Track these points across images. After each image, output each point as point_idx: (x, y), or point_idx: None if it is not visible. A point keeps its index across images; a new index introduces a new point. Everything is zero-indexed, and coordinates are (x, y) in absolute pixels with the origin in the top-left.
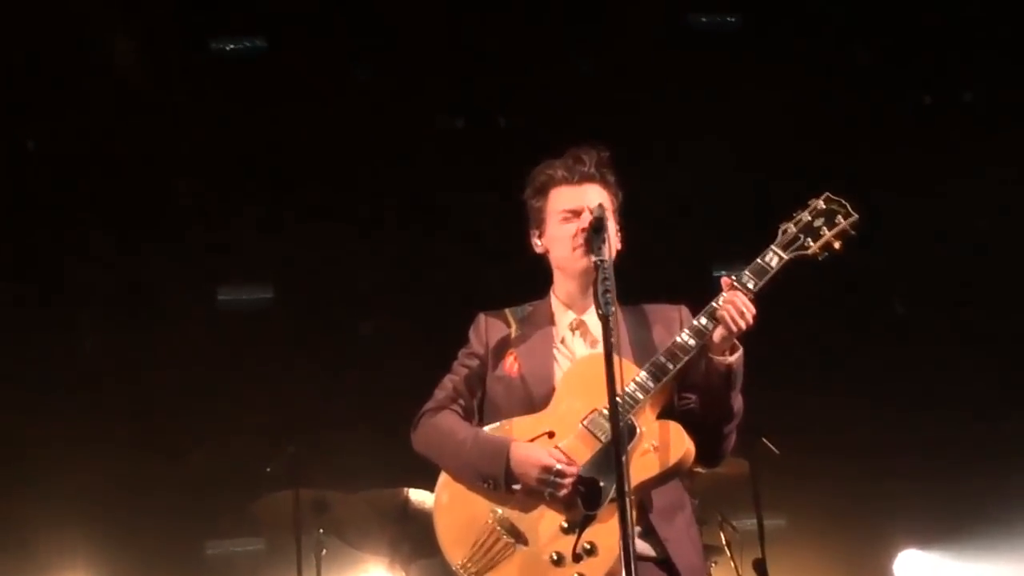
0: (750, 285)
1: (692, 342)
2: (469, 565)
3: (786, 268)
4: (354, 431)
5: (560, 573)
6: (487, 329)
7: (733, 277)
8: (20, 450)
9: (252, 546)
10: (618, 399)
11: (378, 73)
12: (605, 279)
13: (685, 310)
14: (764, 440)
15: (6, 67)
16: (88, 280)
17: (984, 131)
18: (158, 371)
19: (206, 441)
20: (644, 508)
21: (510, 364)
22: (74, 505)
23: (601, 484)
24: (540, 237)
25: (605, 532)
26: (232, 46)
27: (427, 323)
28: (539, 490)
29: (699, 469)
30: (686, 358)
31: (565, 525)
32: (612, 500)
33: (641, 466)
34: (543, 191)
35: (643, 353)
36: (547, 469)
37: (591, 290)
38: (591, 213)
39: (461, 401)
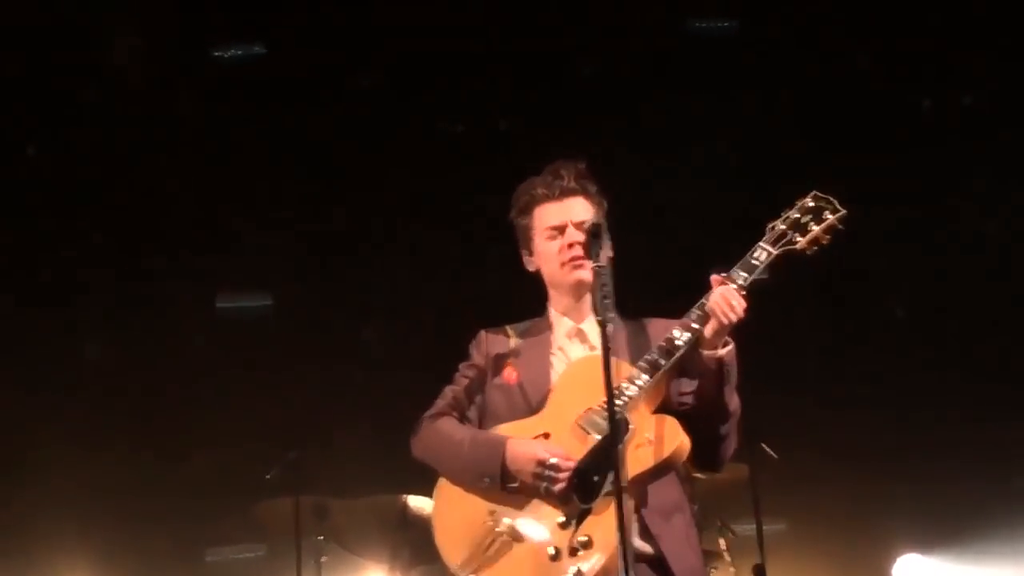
0: (740, 281)
1: (684, 337)
2: (467, 565)
3: (776, 263)
4: (354, 437)
5: (558, 567)
6: (487, 343)
7: (723, 275)
8: (21, 455)
9: (252, 552)
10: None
11: (379, 77)
12: (603, 285)
13: None
14: (763, 445)
15: (6, 72)
16: (89, 284)
17: (984, 134)
18: (159, 377)
19: (206, 447)
20: (639, 504)
21: (508, 372)
22: (75, 512)
23: (596, 478)
24: (530, 255)
25: (601, 525)
26: (233, 51)
27: (428, 329)
28: (535, 485)
29: (699, 475)
30: (678, 353)
31: (561, 520)
32: (607, 493)
33: (636, 459)
34: (527, 210)
35: (640, 359)
36: (542, 463)
37: (586, 300)
38: (575, 228)
39: (461, 408)
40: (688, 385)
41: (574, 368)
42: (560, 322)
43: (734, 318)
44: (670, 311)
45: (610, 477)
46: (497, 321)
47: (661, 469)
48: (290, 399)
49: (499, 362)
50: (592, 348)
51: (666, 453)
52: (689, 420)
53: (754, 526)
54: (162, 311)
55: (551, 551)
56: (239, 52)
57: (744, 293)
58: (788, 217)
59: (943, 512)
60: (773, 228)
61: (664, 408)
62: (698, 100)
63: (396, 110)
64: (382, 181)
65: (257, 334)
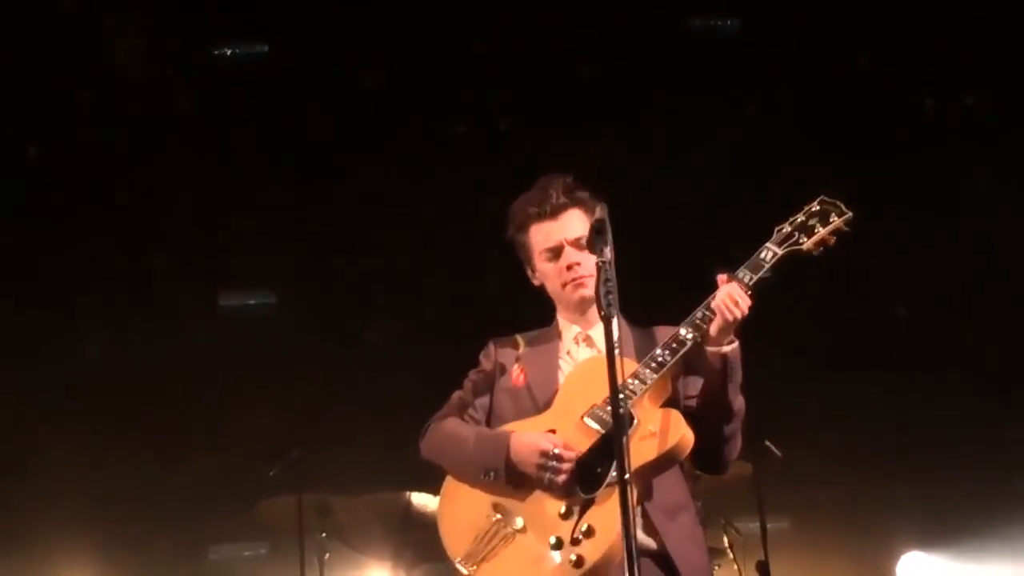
0: (745, 279)
1: (689, 334)
2: (470, 557)
3: (781, 263)
4: (357, 435)
5: (558, 556)
6: (496, 350)
7: (729, 274)
8: (24, 454)
9: (255, 550)
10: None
11: (379, 77)
12: (607, 280)
13: None
14: (767, 443)
15: (7, 71)
16: (91, 284)
17: (986, 134)
18: (161, 376)
19: (209, 445)
20: (644, 499)
21: (516, 376)
22: (78, 510)
23: (599, 469)
24: (533, 272)
25: (603, 515)
26: (235, 50)
27: (431, 327)
28: (539, 476)
29: (700, 472)
30: (683, 350)
31: (564, 511)
32: (610, 484)
33: (639, 451)
34: (522, 230)
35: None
36: (546, 453)
37: (593, 311)
38: (572, 246)
39: (468, 410)
40: (695, 387)
41: (580, 368)
42: (568, 329)
43: (739, 315)
44: (670, 310)
45: (614, 468)
46: (498, 318)
47: (664, 462)
48: (292, 397)
49: (507, 365)
50: (600, 352)
51: (669, 445)
52: (694, 421)
53: (758, 523)
54: (163, 310)
55: (552, 540)
56: (239, 52)
57: (749, 292)
58: (795, 220)
59: (946, 510)
60: (780, 230)
61: (668, 403)
62: (699, 100)
63: (397, 110)
64: (383, 182)
65: (259, 333)
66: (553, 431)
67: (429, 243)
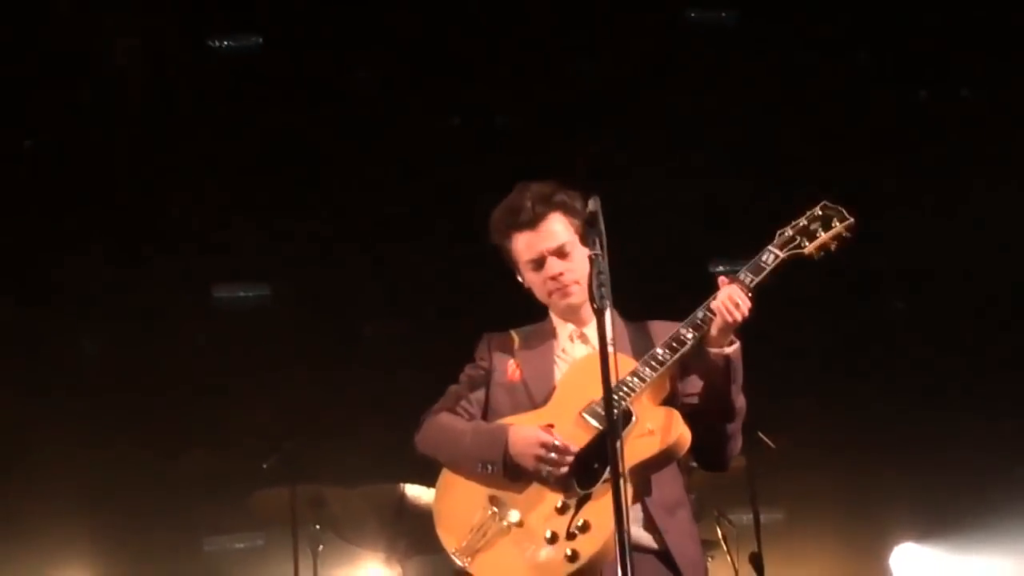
0: (747, 281)
1: (690, 334)
2: (466, 549)
3: (782, 267)
4: (351, 426)
5: (553, 550)
6: (491, 345)
7: (731, 276)
8: (19, 447)
9: (250, 542)
10: (615, 387)
11: (378, 75)
12: (600, 273)
13: None
14: (760, 434)
15: (1, 66)
16: (86, 278)
17: (984, 128)
18: (156, 368)
19: (203, 437)
20: (644, 496)
21: (512, 371)
22: (72, 502)
23: (596, 465)
24: (522, 277)
25: (600, 510)
26: (230, 44)
27: (425, 320)
28: (537, 469)
29: (702, 469)
30: (683, 349)
31: (560, 505)
32: (607, 480)
33: (637, 448)
34: (505, 240)
35: (642, 356)
36: (545, 446)
37: (584, 311)
38: (553, 256)
39: (464, 404)
40: (694, 385)
41: (578, 364)
42: (563, 326)
43: (739, 317)
44: (669, 310)
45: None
46: (493, 313)
47: (661, 460)
48: (286, 389)
49: (503, 360)
50: (596, 348)
51: (667, 443)
52: (695, 419)
53: (751, 515)
54: (159, 302)
55: (548, 534)
56: (237, 49)
57: (750, 294)
58: (797, 224)
59: (939, 502)
60: (782, 233)
61: (667, 401)
62: (697, 98)
63: (395, 108)
64: (379, 177)
65: (254, 326)
66: (551, 426)
67: (425, 238)
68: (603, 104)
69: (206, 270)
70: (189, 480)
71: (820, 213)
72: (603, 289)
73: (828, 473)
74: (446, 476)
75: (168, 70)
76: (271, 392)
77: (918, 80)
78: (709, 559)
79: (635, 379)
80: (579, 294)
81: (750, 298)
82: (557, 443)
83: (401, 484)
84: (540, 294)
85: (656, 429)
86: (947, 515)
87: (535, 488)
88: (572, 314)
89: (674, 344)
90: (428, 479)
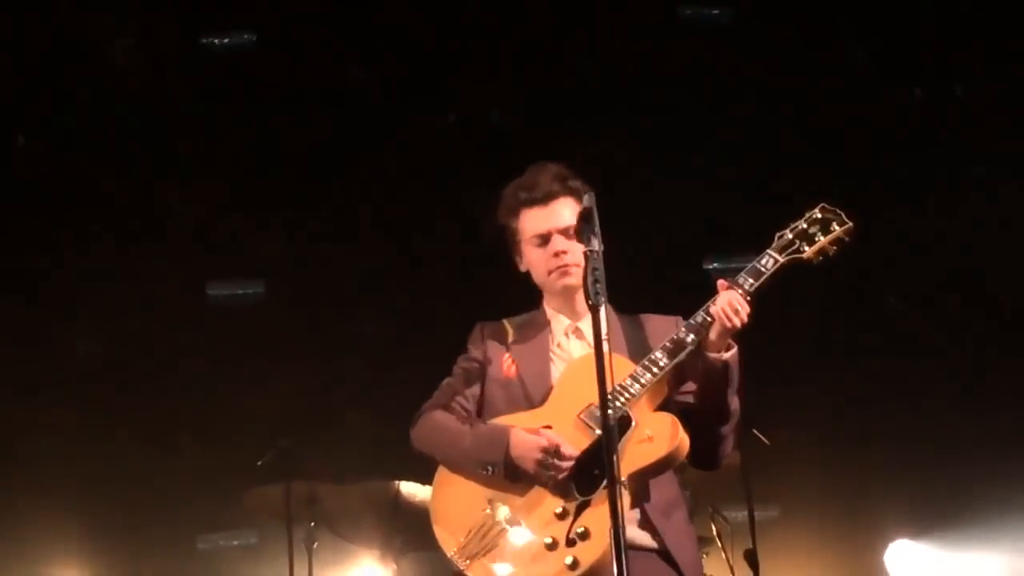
0: (745, 286)
1: (689, 338)
2: (464, 551)
3: (782, 271)
4: (345, 424)
5: (553, 557)
6: (484, 336)
7: (730, 280)
8: (13, 445)
9: (244, 539)
10: (613, 391)
11: (376, 73)
12: (595, 269)
13: (681, 320)
14: (755, 431)
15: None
16: (80, 275)
17: (979, 126)
18: (150, 366)
19: (198, 434)
20: (641, 500)
21: (507, 366)
22: (66, 499)
23: (596, 471)
24: (520, 259)
25: (599, 517)
26: (225, 41)
27: (419, 316)
28: (538, 473)
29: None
30: (682, 353)
31: (560, 511)
32: (607, 486)
33: (636, 455)
34: (513, 214)
35: (638, 354)
36: (546, 450)
37: (579, 300)
38: (560, 235)
39: (459, 400)
40: (688, 384)
41: (577, 364)
42: (557, 319)
43: (738, 323)
44: (667, 309)
45: None
46: (487, 309)
47: (661, 466)
48: (281, 386)
49: (497, 354)
50: (591, 346)
51: (666, 450)
52: (689, 419)
53: (746, 512)
54: (153, 300)
55: (547, 540)
56: (234, 48)
57: (749, 299)
58: (796, 227)
59: (934, 498)
60: (781, 236)
61: (664, 407)
62: (697, 98)
63: (394, 106)
64: (374, 173)
65: (249, 322)
66: (549, 427)
67: (421, 234)
68: (603, 104)
69: (201, 268)
70: (183, 478)
71: (819, 216)
72: (598, 286)
73: (823, 470)
74: (443, 475)
75: (163, 68)
76: (265, 390)
77: (915, 78)
78: (704, 556)
79: (635, 384)
80: (577, 276)
81: (748, 303)
82: (559, 448)
83: (396, 481)
84: (539, 273)
85: (655, 435)
86: (942, 512)
87: (534, 492)
88: (567, 300)
89: (673, 348)
90: (423, 476)
